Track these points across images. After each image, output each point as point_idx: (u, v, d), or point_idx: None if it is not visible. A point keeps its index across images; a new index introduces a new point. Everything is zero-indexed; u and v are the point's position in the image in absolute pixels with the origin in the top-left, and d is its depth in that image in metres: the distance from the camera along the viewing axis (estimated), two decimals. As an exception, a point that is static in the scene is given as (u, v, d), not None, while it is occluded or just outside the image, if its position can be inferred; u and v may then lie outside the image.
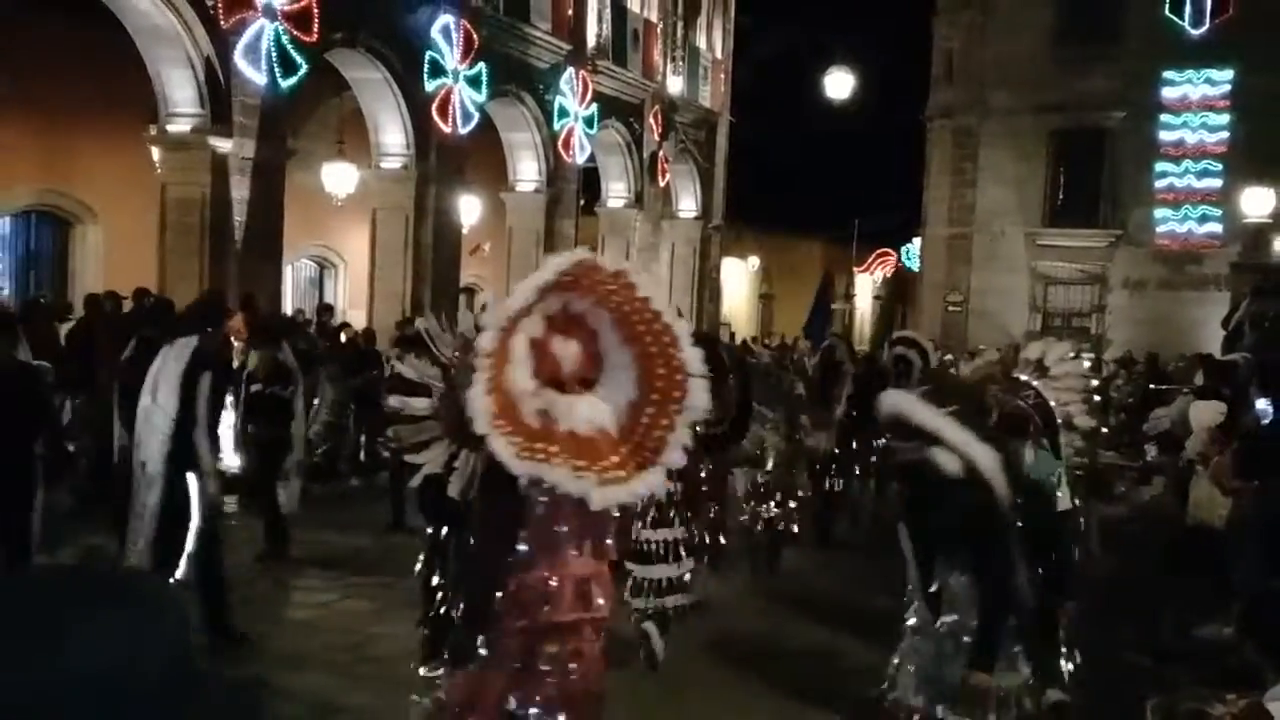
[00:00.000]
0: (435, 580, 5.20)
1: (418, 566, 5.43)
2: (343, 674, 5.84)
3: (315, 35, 13.71)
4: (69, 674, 0.87)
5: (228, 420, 7.66)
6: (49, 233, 15.23)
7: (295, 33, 13.37)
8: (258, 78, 13.13)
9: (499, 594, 3.27)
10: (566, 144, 19.57)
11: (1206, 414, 7.37)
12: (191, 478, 5.83)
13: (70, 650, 0.88)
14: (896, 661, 4.41)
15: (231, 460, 8.09)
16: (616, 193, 22.57)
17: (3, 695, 0.85)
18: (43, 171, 14.30)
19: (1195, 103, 24.48)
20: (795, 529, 8.55)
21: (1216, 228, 24.45)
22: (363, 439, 12.24)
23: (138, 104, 13.11)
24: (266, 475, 8.01)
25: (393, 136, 16.29)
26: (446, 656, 3.98)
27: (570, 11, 19.40)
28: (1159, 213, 24.92)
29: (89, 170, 14.58)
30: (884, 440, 6.98)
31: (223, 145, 13.03)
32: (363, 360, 12.05)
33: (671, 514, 5.69)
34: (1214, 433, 7.12)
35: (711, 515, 6.30)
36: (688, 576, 5.90)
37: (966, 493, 3.85)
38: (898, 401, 4.16)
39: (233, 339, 10.71)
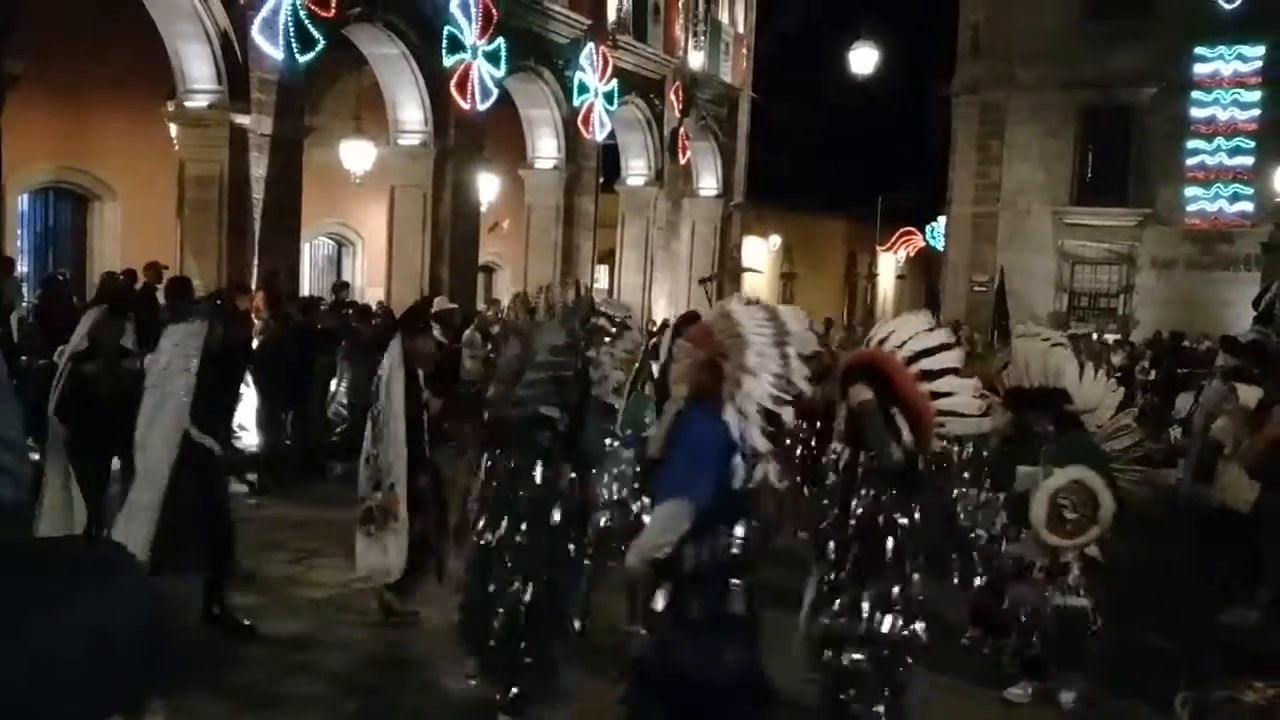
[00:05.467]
0: None
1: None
2: (358, 651, 5.81)
3: (333, 10, 13.61)
4: (78, 631, 0.97)
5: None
6: (67, 210, 15.25)
7: (313, 7, 13.28)
8: (275, 53, 13.05)
9: None
10: (586, 121, 19.41)
11: (1251, 396, 7.16)
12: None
13: (79, 610, 0.97)
14: None
15: None
16: (636, 170, 22.38)
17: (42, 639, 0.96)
18: (61, 149, 14.29)
19: (1227, 79, 23.99)
20: None
21: (1248, 206, 23.99)
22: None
23: (156, 80, 13.07)
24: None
25: (411, 113, 16.18)
26: None
27: (590, -14, 19.22)
28: (1189, 191, 24.48)
29: (107, 147, 14.57)
30: None
31: (240, 121, 12.97)
32: (385, 340, 11.93)
33: None
34: (1247, 413, 6.93)
35: None
36: None
37: None
38: None
39: (253, 316, 10.74)
